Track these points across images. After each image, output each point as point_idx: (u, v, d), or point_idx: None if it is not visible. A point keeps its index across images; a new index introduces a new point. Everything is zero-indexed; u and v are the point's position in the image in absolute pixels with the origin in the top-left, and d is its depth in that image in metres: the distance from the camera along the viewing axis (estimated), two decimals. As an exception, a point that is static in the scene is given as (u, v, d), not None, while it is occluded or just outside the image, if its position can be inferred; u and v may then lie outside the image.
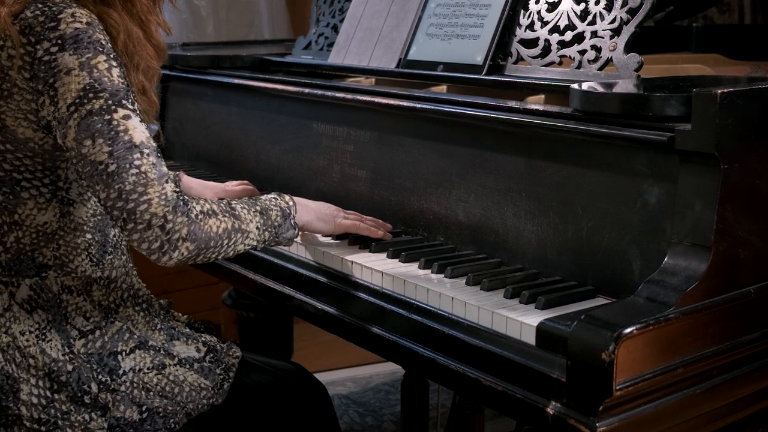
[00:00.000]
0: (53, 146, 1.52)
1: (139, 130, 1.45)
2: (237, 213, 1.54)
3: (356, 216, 1.81)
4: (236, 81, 2.33)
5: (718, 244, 1.34)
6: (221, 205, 1.53)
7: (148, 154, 1.44)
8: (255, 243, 1.58)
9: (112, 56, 1.48)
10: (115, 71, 1.47)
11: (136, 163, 1.42)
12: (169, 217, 1.42)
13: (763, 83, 1.43)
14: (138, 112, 1.48)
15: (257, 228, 1.57)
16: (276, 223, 1.61)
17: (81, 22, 1.46)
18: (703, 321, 1.32)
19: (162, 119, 2.63)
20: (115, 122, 1.43)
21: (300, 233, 1.71)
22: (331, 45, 2.23)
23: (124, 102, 1.45)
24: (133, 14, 1.58)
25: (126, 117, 1.44)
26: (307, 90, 2.08)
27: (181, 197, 1.45)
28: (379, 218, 1.90)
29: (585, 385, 1.23)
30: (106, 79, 1.45)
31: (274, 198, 1.64)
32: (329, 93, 2.02)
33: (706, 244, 1.33)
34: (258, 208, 1.59)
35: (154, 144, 1.47)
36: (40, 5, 1.48)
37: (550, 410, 1.27)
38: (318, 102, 2.06)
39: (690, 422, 1.34)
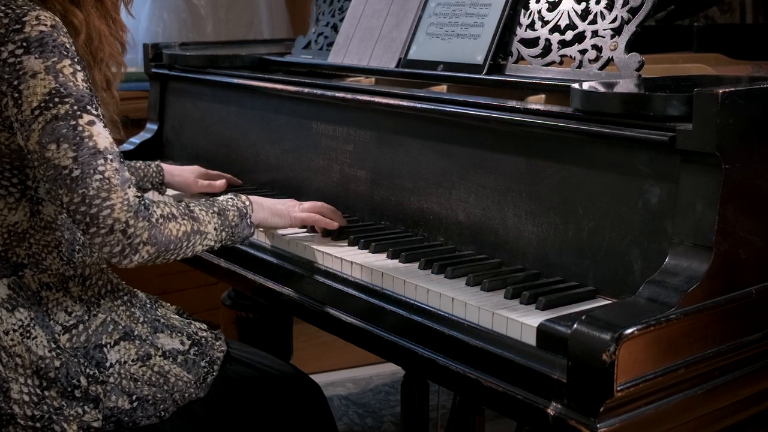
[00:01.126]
0: (20, 146, 1.52)
1: (103, 136, 1.48)
2: (196, 215, 1.58)
3: (312, 205, 1.84)
4: (235, 81, 2.32)
5: (720, 244, 1.33)
6: (180, 208, 1.57)
7: (111, 160, 1.47)
8: (213, 243, 1.63)
9: (76, 60, 1.50)
10: (80, 75, 1.49)
11: (100, 168, 1.45)
12: (131, 222, 1.46)
13: (764, 83, 1.42)
14: (102, 117, 1.51)
15: (215, 229, 1.61)
16: (233, 223, 1.65)
17: (45, 25, 1.48)
18: (704, 321, 1.32)
19: (161, 118, 2.63)
20: (80, 128, 1.46)
21: (257, 230, 1.77)
22: (330, 44, 2.23)
23: (88, 108, 1.48)
24: (103, 12, 1.61)
25: (90, 123, 1.47)
26: (306, 90, 2.08)
27: (142, 202, 1.49)
28: (379, 219, 1.90)
29: (586, 386, 1.22)
30: (71, 83, 1.47)
31: (231, 198, 1.69)
32: (329, 93, 2.01)
33: (707, 245, 1.33)
34: (216, 209, 1.64)
35: (117, 149, 1.51)
36: (3, 7, 1.49)
37: (550, 411, 1.27)
38: (318, 102, 2.06)
39: (691, 423, 1.33)
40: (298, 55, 2.35)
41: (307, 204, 1.85)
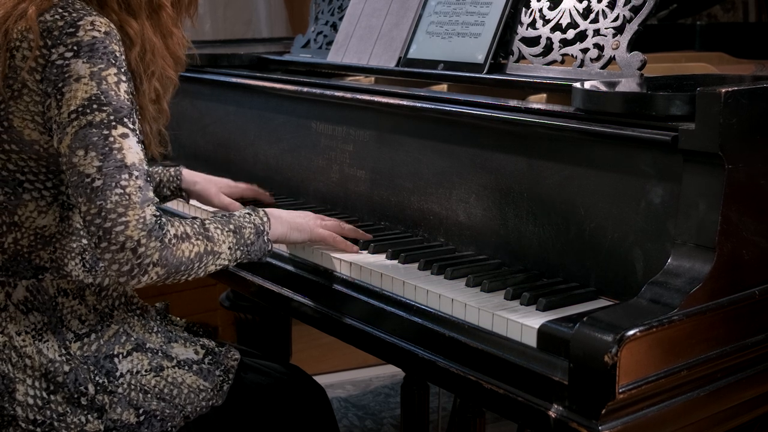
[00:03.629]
0: (58, 150, 1.51)
1: (133, 151, 1.45)
2: (210, 234, 1.54)
3: (335, 224, 1.78)
4: (234, 80, 2.31)
5: (723, 245, 1.32)
6: (195, 226, 1.53)
7: (136, 177, 1.44)
8: (226, 263, 1.58)
9: (123, 70, 1.49)
10: (123, 86, 1.47)
11: (123, 183, 1.43)
12: (143, 241, 1.42)
13: (767, 82, 1.41)
14: (138, 132, 1.49)
15: (229, 248, 1.57)
16: (249, 241, 1.60)
17: (99, 31, 1.46)
18: (707, 323, 1.31)
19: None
20: (112, 138, 1.44)
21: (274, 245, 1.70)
22: (330, 43, 2.21)
23: (125, 120, 1.46)
24: (157, 25, 1.58)
25: (124, 135, 1.45)
26: (305, 89, 2.06)
27: (158, 221, 1.45)
28: (379, 219, 1.89)
29: (587, 388, 1.22)
30: (113, 93, 1.45)
31: (247, 214, 1.63)
32: (328, 92, 2.00)
33: (710, 245, 1.32)
34: (231, 226, 1.58)
35: (146, 167, 1.48)
36: (60, 10, 1.48)
37: (552, 413, 1.26)
38: (317, 101, 2.05)
39: (694, 425, 1.32)
40: (297, 54, 2.34)
41: (330, 222, 1.78)
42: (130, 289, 1.68)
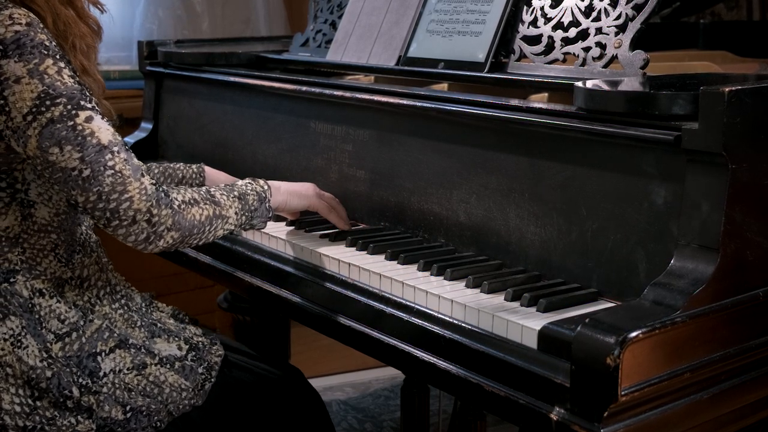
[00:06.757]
0: (6, 150, 1.50)
1: (104, 129, 1.47)
2: (217, 200, 1.60)
3: (331, 198, 1.86)
4: (232, 79, 2.30)
5: (726, 245, 1.31)
6: (201, 192, 1.58)
7: (118, 152, 1.46)
8: (233, 227, 1.64)
9: (58, 57, 1.47)
10: (66, 72, 1.46)
11: (110, 164, 1.45)
12: (154, 210, 1.47)
13: (771, 81, 1.40)
14: (98, 109, 1.49)
15: (236, 213, 1.63)
16: (252, 207, 1.67)
17: (20, 23, 1.44)
18: (710, 325, 1.30)
19: (156, 117, 2.61)
20: (80, 127, 1.44)
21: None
22: (329, 42, 2.21)
23: (82, 103, 1.46)
24: None
25: (89, 119, 1.45)
26: (304, 88, 2.06)
27: (161, 189, 1.49)
28: (378, 219, 1.88)
29: (589, 390, 1.20)
30: (59, 83, 1.45)
31: (249, 183, 1.70)
32: (327, 91, 1.99)
33: (713, 246, 1.31)
34: (236, 193, 1.65)
35: (121, 139, 1.49)
36: None
37: (553, 416, 1.25)
38: (316, 100, 2.04)
39: (697, 428, 1.31)
40: (296, 52, 2.34)
41: (328, 195, 1.86)
42: (114, 278, 1.66)
